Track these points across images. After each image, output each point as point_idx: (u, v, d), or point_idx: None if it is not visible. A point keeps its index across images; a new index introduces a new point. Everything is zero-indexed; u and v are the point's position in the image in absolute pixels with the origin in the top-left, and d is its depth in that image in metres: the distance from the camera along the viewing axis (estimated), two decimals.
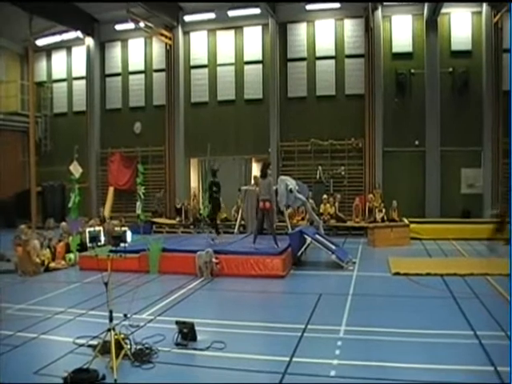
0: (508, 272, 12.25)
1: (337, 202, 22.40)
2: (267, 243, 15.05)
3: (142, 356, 7.40)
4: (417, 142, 23.09)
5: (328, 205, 22.12)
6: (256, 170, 25.43)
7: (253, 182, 22.90)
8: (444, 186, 22.78)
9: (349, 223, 22.07)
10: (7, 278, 13.75)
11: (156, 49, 26.72)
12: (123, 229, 8.18)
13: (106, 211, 24.97)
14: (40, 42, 27.01)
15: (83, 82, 27.89)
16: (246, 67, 25.30)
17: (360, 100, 23.60)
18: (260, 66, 25.09)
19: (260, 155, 25.11)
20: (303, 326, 8.86)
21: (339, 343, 7.97)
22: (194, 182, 26.73)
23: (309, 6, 23.82)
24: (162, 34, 25.31)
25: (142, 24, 24.08)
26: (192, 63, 26.15)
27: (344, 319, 9.32)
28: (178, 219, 24.05)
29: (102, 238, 7.84)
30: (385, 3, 23.03)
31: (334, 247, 15.10)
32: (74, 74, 28.43)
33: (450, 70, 22.76)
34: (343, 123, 23.71)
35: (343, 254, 15.27)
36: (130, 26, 24.45)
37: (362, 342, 8.07)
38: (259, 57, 25.09)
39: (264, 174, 15.15)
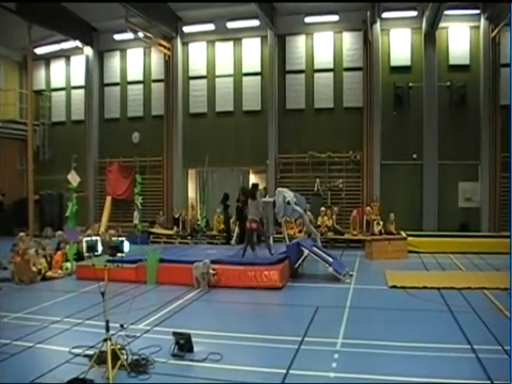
0: (505, 286, 12.32)
1: (334, 214, 22.40)
2: (260, 254, 15.16)
3: (139, 366, 7.38)
4: (414, 156, 23.14)
5: (326, 217, 22.13)
6: (254, 181, 25.45)
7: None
8: (441, 200, 22.82)
9: (346, 236, 22.08)
10: (4, 287, 13.71)
11: (155, 59, 26.78)
12: (121, 239, 8.12)
13: (104, 222, 24.90)
14: (39, 51, 27.09)
15: (82, 91, 27.97)
16: (245, 79, 25.36)
17: (358, 113, 23.67)
18: (258, 77, 25.15)
19: (258, 167, 25.17)
20: (300, 339, 8.84)
21: (336, 356, 7.95)
22: (192, 192, 26.73)
23: (308, 19, 23.94)
24: (161, 45, 25.37)
25: (140, 34, 24.14)
26: (191, 74, 26.20)
27: (341, 332, 9.30)
28: (175, 229, 24.01)
29: (100, 248, 7.81)
30: (383, 16, 23.12)
31: (331, 259, 15.07)
32: (73, 83, 28.47)
33: (448, 83, 22.83)
34: (341, 136, 23.77)
35: (340, 266, 15.26)
36: (129, 35, 24.51)
37: (358, 355, 8.05)
38: (258, 68, 25.16)
39: (253, 196, 15.45)
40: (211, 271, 13.42)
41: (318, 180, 23.72)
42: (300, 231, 21.44)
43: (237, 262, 14.42)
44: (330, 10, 23.44)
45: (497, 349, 8.14)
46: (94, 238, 8.07)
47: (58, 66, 28.83)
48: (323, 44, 24.31)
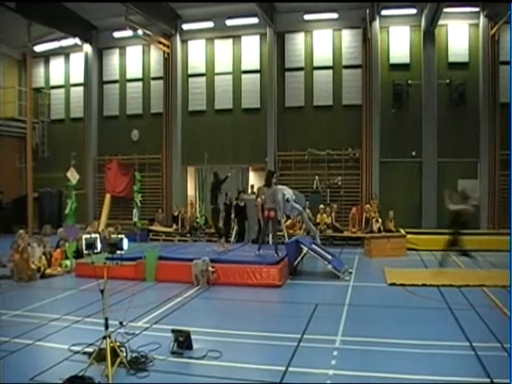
0: (504, 283, 12.34)
1: (333, 211, 22.39)
2: (266, 252, 15.14)
3: (138, 364, 7.40)
4: (413, 153, 23.14)
5: (325, 215, 22.11)
6: (253, 178, 25.49)
7: (250, 190, 23.02)
8: (440, 197, 22.71)
9: (345, 233, 22.07)
10: (3, 284, 13.72)
11: (154, 57, 26.73)
12: (120, 236, 8.12)
13: (103, 219, 24.89)
14: (38, 48, 27.03)
15: (81, 88, 27.92)
16: (244, 76, 25.34)
17: (357, 110, 23.65)
18: (258, 75, 25.11)
19: (257, 164, 25.17)
20: (299, 336, 8.85)
21: (335, 353, 7.97)
22: (191, 190, 26.72)
23: (307, 16, 23.90)
24: (160, 42, 25.34)
25: (140, 32, 24.08)
26: (190, 71, 26.16)
27: (340, 329, 9.31)
28: (174, 227, 24.00)
29: (99, 245, 7.81)
30: (382, 13, 23.12)
31: (330, 257, 15.10)
32: (72, 81, 28.41)
33: (447, 81, 22.83)
34: (340, 133, 23.74)
35: (339, 263, 15.28)
36: (128, 33, 24.48)
37: (357, 353, 8.07)
38: (257, 66, 25.12)
39: (269, 183, 15.37)
40: (210, 269, 13.43)
41: (317, 177, 23.71)
42: (299, 229, 21.43)
43: (236, 260, 14.43)
44: (329, 7, 23.42)
45: (496, 346, 8.16)
46: (93, 235, 8.07)
47: (57, 64, 28.77)
48: (322, 41, 24.28)
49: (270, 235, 18.75)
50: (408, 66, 23.44)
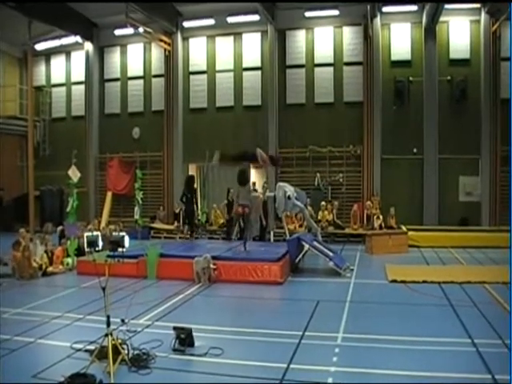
0: (506, 280, 12.34)
1: (335, 208, 22.38)
2: (264, 250, 15.19)
3: (140, 361, 7.39)
4: (415, 150, 23.13)
5: (326, 212, 22.11)
6: (255, 176, 25.45)
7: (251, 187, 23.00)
8: (442, 194, 22.82)
9: (347, 230, 22.05)
10: (4, 282, 13.72)
11: (155, 54, 26.75)
12: (121, 234, 8.13)
13: (104, 217, 24.90)
14: (39, 47, 27.04)
15: (82, 86, 27.94)
16: (245, 73, 25.33)
17: (358, 107, 23.63)
18: (259, 72, 25.11)
19: (258, 162, 25.11)
20: (301, 333, 8.85)
21: (337, 350, 7.97)
22: None
23: (308, 13, 23.90)
24: (161, 40, 25.33)
25: (141, 29, 24.08)
26: (191, 69, 26.16)
27: (341, 326, 9.31)
28: (175, 225, 23.99)
29: (100, 243, 7.82)
30: (384, 10, 23.09)
31: (331, 254, 15.09)
32: (73, 79, 28.44)
33: (449, 78, 22.81)
34: (342, 130, 23.73)
35: (341, 260, 15.27)
36: (129, 31, 24.50)
37: (359, 349, 8.06)
38: (258, 63, 25.12)
39: (242, 182, 15.55)
40: (212, 266, 13.43)
41: (318, 174, 23.71)
42: (300, 226, 21.42)
43: (237, 258, 14.45)
44: (329, 4, 23.38)
45: (497, 343, 8.15)
46: (94, 233, 8.08)
47: (58, 62, 28.80)
48: (323, 38, 24.25)
49: (272, 232, 18.81)
50: (409, 63, 23.43)
